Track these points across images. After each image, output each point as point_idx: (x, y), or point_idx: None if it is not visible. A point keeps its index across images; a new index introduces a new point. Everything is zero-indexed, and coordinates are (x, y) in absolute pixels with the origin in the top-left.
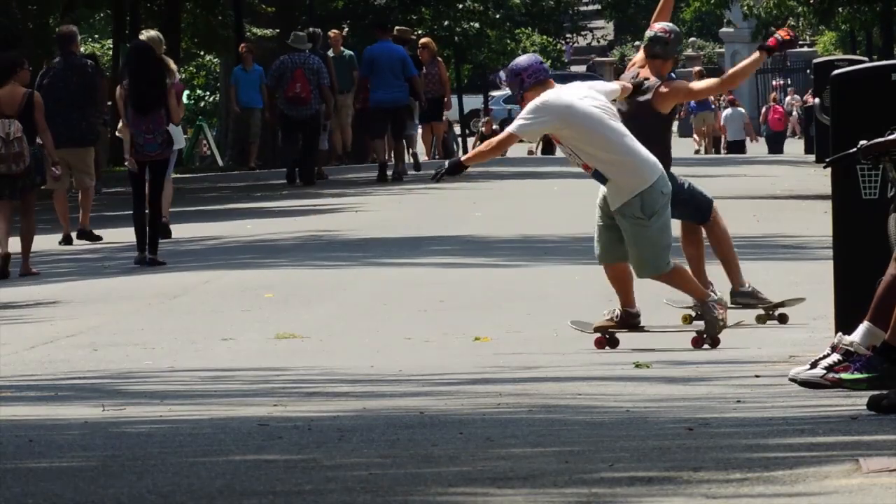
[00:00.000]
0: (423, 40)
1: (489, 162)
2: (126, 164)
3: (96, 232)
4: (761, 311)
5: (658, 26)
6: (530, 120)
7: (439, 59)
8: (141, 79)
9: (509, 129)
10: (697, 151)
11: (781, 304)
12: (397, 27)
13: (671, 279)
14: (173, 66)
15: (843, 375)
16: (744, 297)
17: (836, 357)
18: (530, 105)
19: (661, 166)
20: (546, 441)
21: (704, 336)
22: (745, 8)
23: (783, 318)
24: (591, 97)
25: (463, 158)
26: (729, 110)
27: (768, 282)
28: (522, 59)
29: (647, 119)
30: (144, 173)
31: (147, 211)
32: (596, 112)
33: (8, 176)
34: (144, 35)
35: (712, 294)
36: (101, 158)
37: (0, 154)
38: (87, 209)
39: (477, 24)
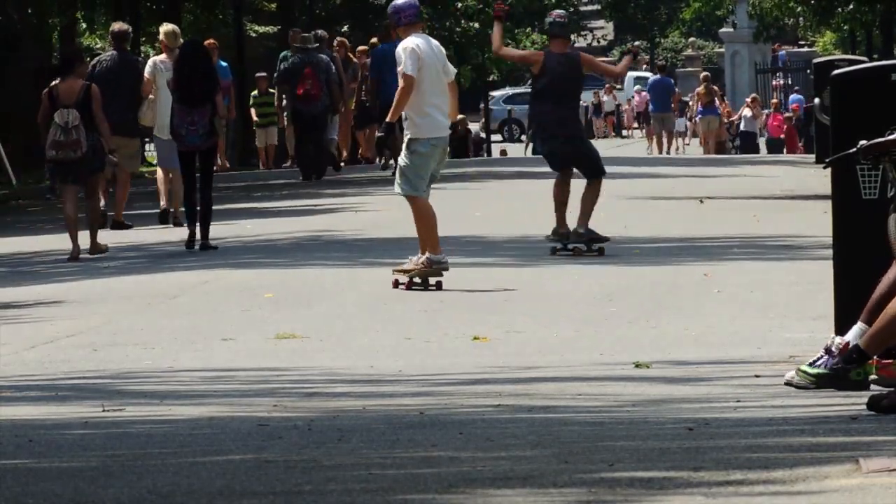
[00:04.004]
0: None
1: (489, 162)
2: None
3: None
4: None
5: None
6: (411, 59)
7: None
8: (192, 74)
9: (405, 71)
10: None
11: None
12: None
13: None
14: None
15: (802, 367)
16: None
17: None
18: (404, 51)
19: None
20: (546, 441)
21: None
22: (751, 8)
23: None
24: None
25: (388, 118)
26: (748, 111)
27: (767, 282)
28: (403, 2)
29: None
30: (192, 161)
31: (198, 204)
32: (430, 60)
33: (67, 162)
34: (162, 28)
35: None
36: None
37: (59, 141)
38: (122, 203)
39: (477, 24)
